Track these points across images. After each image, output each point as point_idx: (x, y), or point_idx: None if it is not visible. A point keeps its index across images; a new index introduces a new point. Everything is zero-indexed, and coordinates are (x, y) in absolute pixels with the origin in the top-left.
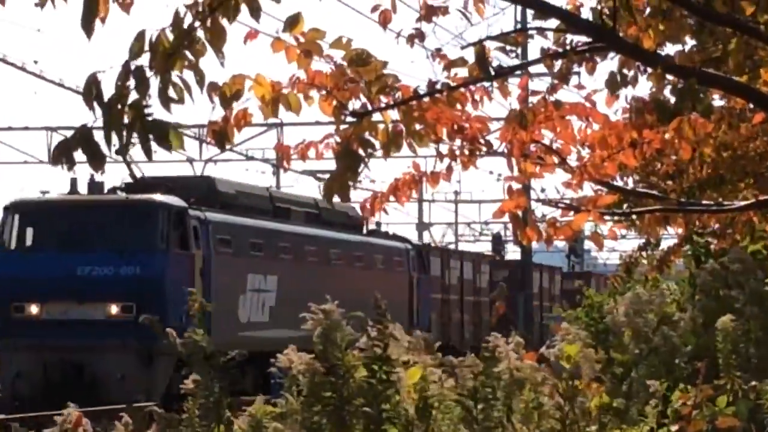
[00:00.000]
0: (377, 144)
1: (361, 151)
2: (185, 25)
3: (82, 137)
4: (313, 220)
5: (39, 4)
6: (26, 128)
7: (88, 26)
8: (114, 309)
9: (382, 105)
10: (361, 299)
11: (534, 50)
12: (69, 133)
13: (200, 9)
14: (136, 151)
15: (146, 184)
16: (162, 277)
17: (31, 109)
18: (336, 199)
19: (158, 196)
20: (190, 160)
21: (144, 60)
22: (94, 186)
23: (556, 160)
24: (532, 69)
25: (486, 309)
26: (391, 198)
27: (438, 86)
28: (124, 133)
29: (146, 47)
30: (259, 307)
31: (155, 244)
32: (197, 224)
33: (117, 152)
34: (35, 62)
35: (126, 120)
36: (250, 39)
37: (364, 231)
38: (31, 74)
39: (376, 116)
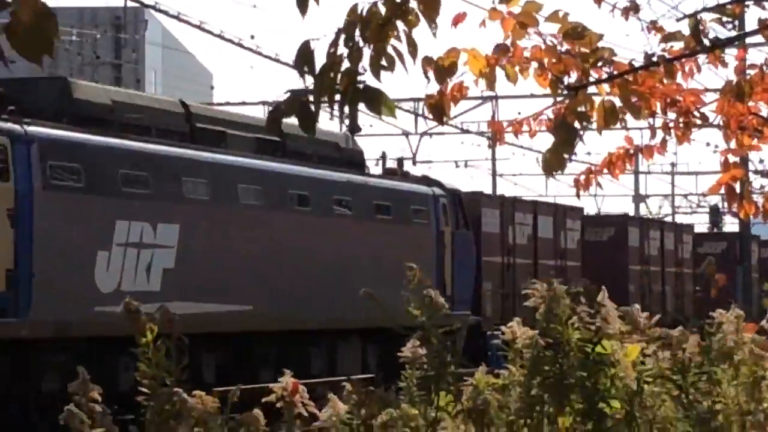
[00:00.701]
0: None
1: (576, 124)
2: None
3: (297, 103)
4: (269, 150)
5: None
6: (243, 103)
7: (302, 4)
8: None
9: (596, 78)
10: (341, 262)
11: (751, 21)
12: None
13: None
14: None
15: None
16: None
17: (247, 84)
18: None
19: None
20: (406, 134)
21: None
22: None
23: None
24: (748, 40)
25: (576, 275)
26: (605, 171)
27: (654, 59)
28: (336, 99)
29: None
30: (142, 271)
31: None
32: (6, 143)
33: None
34: (252, 37)
35: (339, 87)
36: (459, 21)
37: (371, 171)
38: (247, 50)
39: (591, 90)
